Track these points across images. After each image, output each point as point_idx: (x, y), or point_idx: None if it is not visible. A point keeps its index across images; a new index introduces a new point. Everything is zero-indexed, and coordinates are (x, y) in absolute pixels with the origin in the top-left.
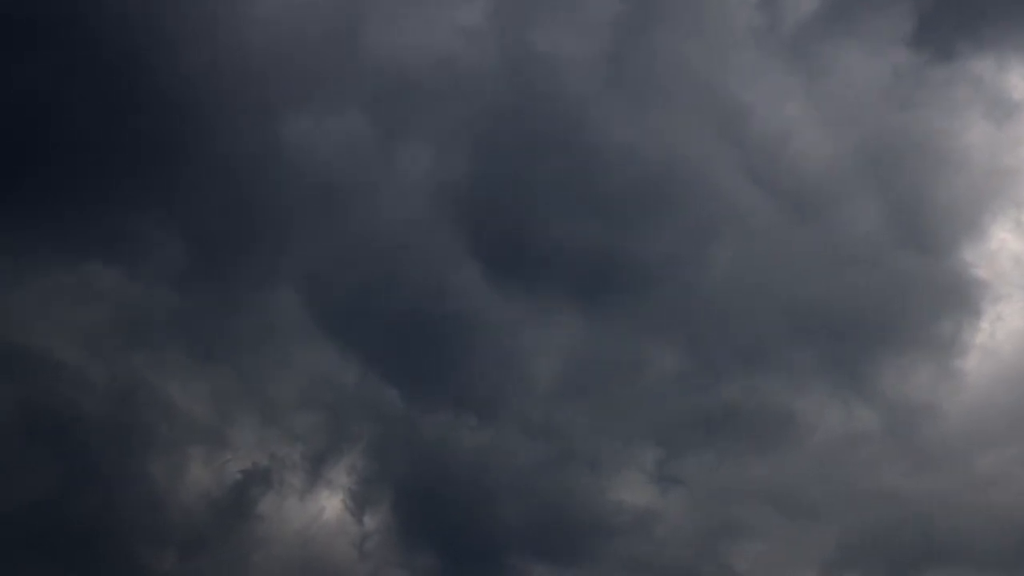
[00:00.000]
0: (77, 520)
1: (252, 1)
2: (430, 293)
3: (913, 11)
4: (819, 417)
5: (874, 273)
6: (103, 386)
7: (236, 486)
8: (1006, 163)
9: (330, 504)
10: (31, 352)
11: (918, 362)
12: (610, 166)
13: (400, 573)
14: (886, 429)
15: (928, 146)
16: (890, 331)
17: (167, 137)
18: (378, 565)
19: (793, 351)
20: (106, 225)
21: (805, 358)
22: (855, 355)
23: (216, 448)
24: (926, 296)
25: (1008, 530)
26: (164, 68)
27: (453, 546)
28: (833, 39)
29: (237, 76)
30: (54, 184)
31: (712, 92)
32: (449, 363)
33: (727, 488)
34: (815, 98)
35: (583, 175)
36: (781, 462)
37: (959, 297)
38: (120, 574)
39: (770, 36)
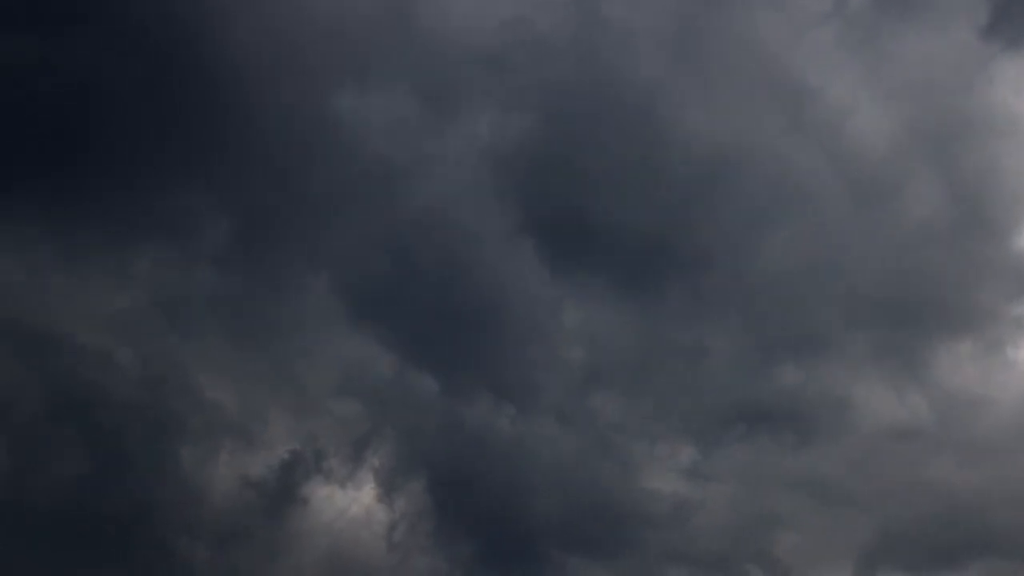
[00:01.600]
0: (108, 508)
1: None
2: (477, 274)
3: None
4: (870, 406)
5: (935, 257)
6: (136, 372)
7: (270, 476)
8: None
9: (364, 493)
10: (63, 338)
11: (974, 351)
12: (672, 146)
13: (434, 562)
14: (937, 420)
15: (993, 129)
16: (948, 317)
17: (213, 115)
18: (412, 554)
19: (848, 337)
20: (151, 206)
21: (860, 344)
22: (911, 341)
23: (248, 438)
24: (987, 281)
25: None
26: (210, 44)
27: (488, 535)
28: (900, 21)
29: (285, 51)
30: (97, 165)
31: (779, 73)
32: (489, 350)
33: (768, 478)
34: (880, 80)
35: (643, 154)
36: (826, 451)
37: (1021, 282)
38: (153, 563)
39: (838, 18)
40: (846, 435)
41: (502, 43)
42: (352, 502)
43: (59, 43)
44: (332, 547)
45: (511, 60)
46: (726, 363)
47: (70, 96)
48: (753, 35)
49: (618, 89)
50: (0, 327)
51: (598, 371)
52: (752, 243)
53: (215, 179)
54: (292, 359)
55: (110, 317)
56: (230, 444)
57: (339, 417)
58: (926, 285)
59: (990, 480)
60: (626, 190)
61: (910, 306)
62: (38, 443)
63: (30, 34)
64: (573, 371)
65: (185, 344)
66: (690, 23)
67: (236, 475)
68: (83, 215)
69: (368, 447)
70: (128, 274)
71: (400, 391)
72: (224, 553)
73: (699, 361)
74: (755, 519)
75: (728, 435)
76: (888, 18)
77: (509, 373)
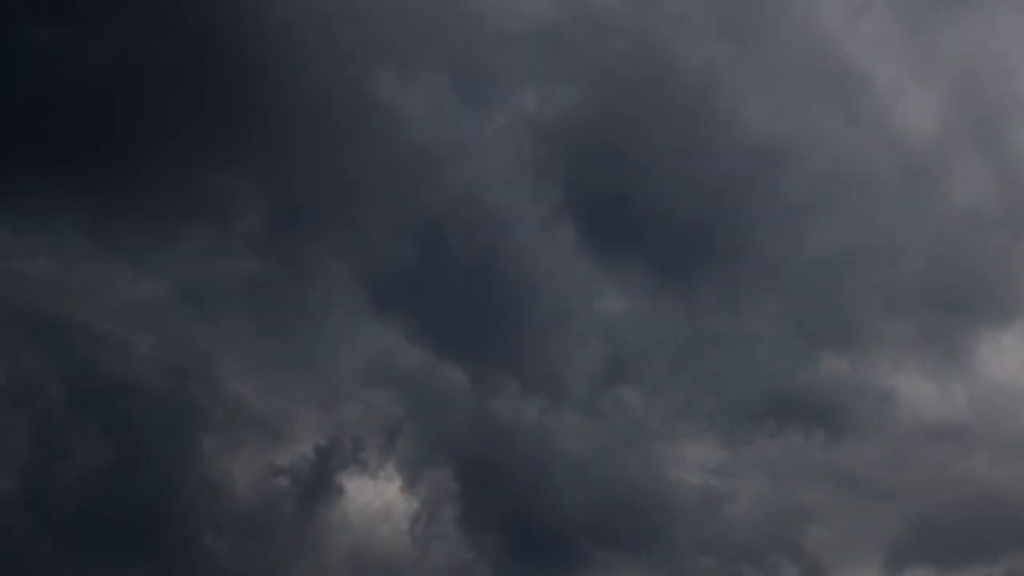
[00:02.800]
0: (131, 499)
1: None
2: (509, 261)
3: None
4: (909, 399)
5: (981, 244)
6: (160, 362)
7: (293, 469)
8: None
9: (390, 486)
10: (86, 326)
11: (1018, 341)
12: (720, 131)
13: (460, 554)
14: (976, 413)
15: None
16: (993, 306)
17: (249, 98)
18: (437, 546)
19: (891, 326)
20: (183, 190)
21: (902, 333)
22: (954, 331)
23: (271, 431)
24: None
25: None
26: (247, 26)
27: (515, 528)
28: (951, 7)
29: (323, 33)
30: (130, 149)
31: (830, 59)
32: (519, 341)
33: (799, 470)
34: (929, 66)
35: (690, 138)
36: (860, 445)
37: None
38: (176, 556)
39: (890, 2)
40: (882, 429)
41: (553, 18)
42: (377, 494)
43: (92, 28)
44: (357, 539)
45: (561, 35)
46: (764, 353)
47: (102, 81)
48: (807, 19)
49: (668, 70)
50: (25, 315)
51: (630, 361)
52: (795, 231)
53: (250, 163)
54: (318, 349)
55: (135, 305)
56: (253, 436)
57: (366, 409)
58: (971, 273)
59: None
60: (669, 174)
61: (955, 294)
62: (60, 433)
63: (62, 19)
64: (604, 361)
65: (210, 334)
66: (744, 6)
67: (259, 467)
68: (115, 201)
69: (394, 439)
70: (156, 261)
71: (427, 382)
72: (247, 547)
73: (736, 351)
74: (786, 512)
75: (762, 427)
76: (939, 3)
77: (538, 364)
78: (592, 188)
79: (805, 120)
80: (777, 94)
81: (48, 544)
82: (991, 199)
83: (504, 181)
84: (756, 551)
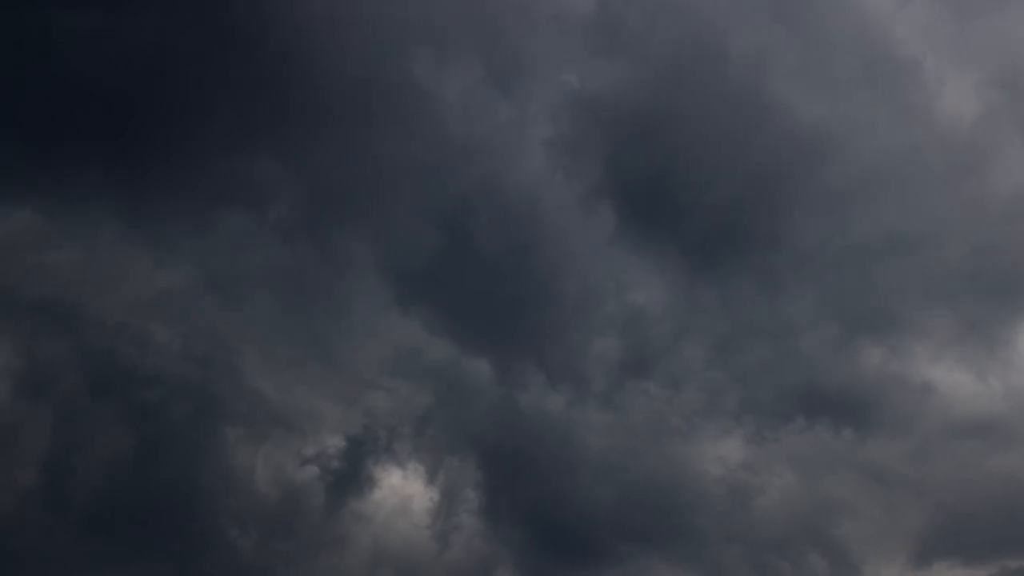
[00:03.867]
0: (152, 491)
1: None
2: (540, 247)
3: None
4: (946, 391)
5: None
6: (185, 352)
7: (317, 462)
8: None
9: (413, 478)
10: (108, 316)
11: None
12: (764, 117)
13: (484, 547)
14: (1013, 406)
15: None
16: None
17: (283, 83)
18: (461, 539)
19: (929, 315)
20: (216, 176)
21: (940, 322)
22: (993, 321)
23: (293, 424)
24: None
25: None
26: (283, 8)
27: (539, 521)
28: None
29: (360, 13)
30: (162, 137)
31: (878, 46)
32: (546, 331)
33: (830, 463)
34: (973, 53)
35: (733, 121)
36: (894, 436)
37: None
38: (199, 547)
39: None
40: (916, 421)
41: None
42: (400, 486)
43: (125, 13)
44: (381, 531)
45: (608, 14)
46: (801, 342)
47: (135, 66)
48: (855, 5)
49: (718, 54)
50: (48, 304)
51: (661, 353)
52: (836, 218)
53: (284, 149)
54: (344, 340)
55: (161, 294)
56: (276, 427)
57: (390, 401)
58: (1013, 261)
59: None
60: (710, 159)
61: (995, 283)
62: (82, 425)
63: (95, 4)
64: (633, 353)
65: (235, 323)
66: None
67: (282, 459)
68: (146, 187)
69: (418, 431)
70: (184, 249)
71: (452, 374)
72: (272, 540)
73: (772, 341)
74: (815, 506)
75: (793, 420)
76: None
77: (565, 355)
78: (631, 171)
79: (850, 107)
80: (823, 81)
81: (70, 536)
82: None
83: (539, 164)
84: (785, 544)
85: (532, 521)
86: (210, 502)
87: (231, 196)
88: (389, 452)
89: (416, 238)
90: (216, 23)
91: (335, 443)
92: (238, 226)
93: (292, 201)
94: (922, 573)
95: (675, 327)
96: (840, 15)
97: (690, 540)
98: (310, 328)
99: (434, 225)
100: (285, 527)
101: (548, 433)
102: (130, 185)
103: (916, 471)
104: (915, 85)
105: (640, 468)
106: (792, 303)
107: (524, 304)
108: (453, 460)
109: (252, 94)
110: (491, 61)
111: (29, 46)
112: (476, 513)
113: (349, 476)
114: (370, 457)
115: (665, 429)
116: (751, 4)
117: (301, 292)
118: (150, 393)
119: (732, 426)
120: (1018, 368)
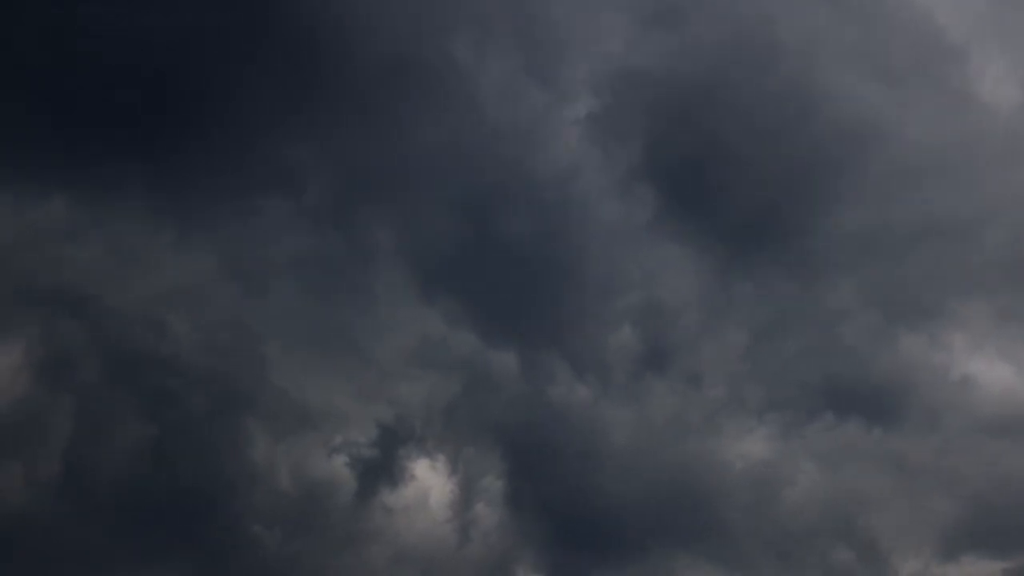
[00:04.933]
0: (175, 483)
1: None
2: (569, 233)
3: None
4: (983, 381)
5: None
6: (207, 343)
7: (339, 455)
8: None
9: (437, 472)
10: (130, 303)
11: None
12: (809, 102)
13: (507, 542)
14: None
15: None
16: None
17: (319, 65)
18: (485, 531)
19: (968, 305)
20: (253, 161)
21: (980, 312)
22: None
23: (318, 415)
24: None
25: None
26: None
27: (563, 517)
28: None
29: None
30: (196, 119)
31: (928, 34)
32: (572, 322)
33: (858, 457)
34: (1017, 40)
35: (779, 106)
36: (926, 428)
37: None
38: (225, 542)
39: None
40: (950, 415)
41: None
42: (425, 480)
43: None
44: (405, 525)
45: None
46: (835, 333)
47: (165, 50)
48: None
49: (765, 35)
50: (70, 293)
51: (693, 343)
52: (879, 206)
53: (318, 134)
54: (369, 330)
55: (184, 284)
56: (298, 419)
57: (415, 392)
58: None
59: None
60: (752, 144)
61: None
62: (104, 415)
63: None
64: (663, 343)
65: (258, 314)
66: None
67: (304, 452)
68: (173, 175)
69: (444, 425)
70: (211, 236)
71: (477, 366)
72: (296, 533)
73: (807, 331)
74: (843, 499)
75: (823, 413)
76: None
77: (593, 347)
78: (671, 153)
79: (894, 95)
80: (869, 68)
81: (91, 531)
82: None
83: (575, 146)
84: (812, 539)
85: (557, 515)
86: (234, 496)
87: (261, 183)
88: (418, 444)
89: (444, 226)
90: (248, 5)
91: (361, 435)
92: (265, 214)
93: (322, 188)
94: (949, 566)
95: (709, 318)
96: (888, 2)
97: (716, 535)
98: (335, 318)
99: (463, 213)
100: (310, 521)
101: (573, 426)
102: (158, 173)
103: (944, 464)
104: (960, 73)
105: (666, 462)
106: (830, 293)
107: (552, 294)
108: (476, 453)
109: (283, 79)
110: (532, 40)
111: (58, 33)
112: (499, 506)
113: (378, 469)
114: (401, 449)
115: (692, 422)
116: None
117: (326, 281)
118: (173, 384)
119: (760, 421)
120: None
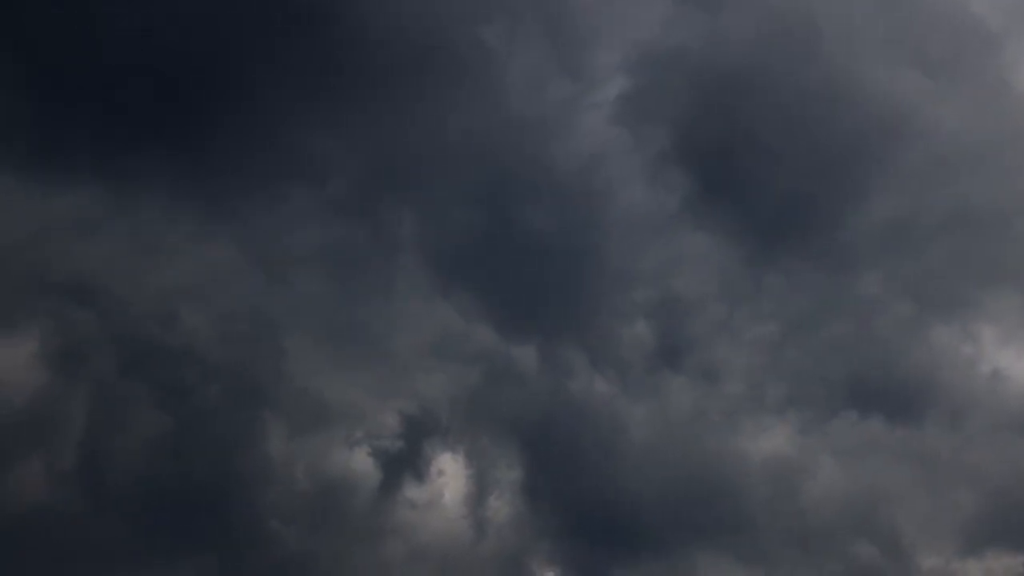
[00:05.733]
0: (192, 476)
1: None
2: (609, 217)
3: None
4: (1013, 375)
5: None
6: (223, 331)
7: (360, 449)
8: None
9: (454, 467)
10: (149, 298)
11: None
12: (846, 88)
13: (524, 538)
14: None
15: None
16: None
17: (344, 52)
18: (503, 528)
19: (997, 297)
20: (278, 150)
21: (1009, 306)
22: None
23: (337, 409)
24: None
25: None
26: None
27: (584, 511)
28: None
29: None
30: (222, 108)
31: (964, 22)
32: (590, 316)
33: (881, 453)
34: None
35: (814, 92)
36: (950, 425)
37: None
38: (243, 536)
39: None
40: (976, 409)
41: None
42: (444, 475)
43: None
44: (424, 520)
45: None
46: (863, 326)
47: (191, 36)
48: None
49: (803, 21)
50: (87, 284)
51: (716, 337)
52: (912, 196)
53: (339, 122)
54: (387, 322)
55: (205, 275)
56: (317, 413)
57: (434, 387)
58: None
59: None
60: (785, 131)
61: None
62: (120, 407)
63: None
64: (687, 336)
65: (278, 305)
66: None
67: (323, 446)
68: (198, 164)
69: (461, 419)
70: (231, 227)
71: (496, 359)
72: (315, 528)
73: (835, 323)
74: (865, 494)
75: (847, 408)
76: None
77: (613, 340)
78: (703, 138)
79: (930, 84)
80: (907, 58)
81: (108, 526)
82: None
83: (602, 133)
84: (834, 534)
85: (576, 510)
86: (251, 491)
87: (286, 172)
88: (442, 437)
89: (466, 218)
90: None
91: (380, 429)
92: (289, 203)
93: (346, 178)
94: (972, 560)
95: (735, 310)
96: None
97: (737, 531)
98: (355, 310)
99: (486, 204)
100: (329, 516)
101: (592, 420)
102: (182, 163)
103: (968, 459)
104: (995, 63)
105: (687, 457)
106: (860, 284)
107: (574, 286)
108: (494, 446)
109: (309, 67)
110: (562, 26)
111: (80, 25)
112: (517, 500)
113: (402, 462)
114: (426, 441)
115: (713, 418)
116: None
117: (347, 272)
118: (192, 376)
119: (782, 418)
120: None
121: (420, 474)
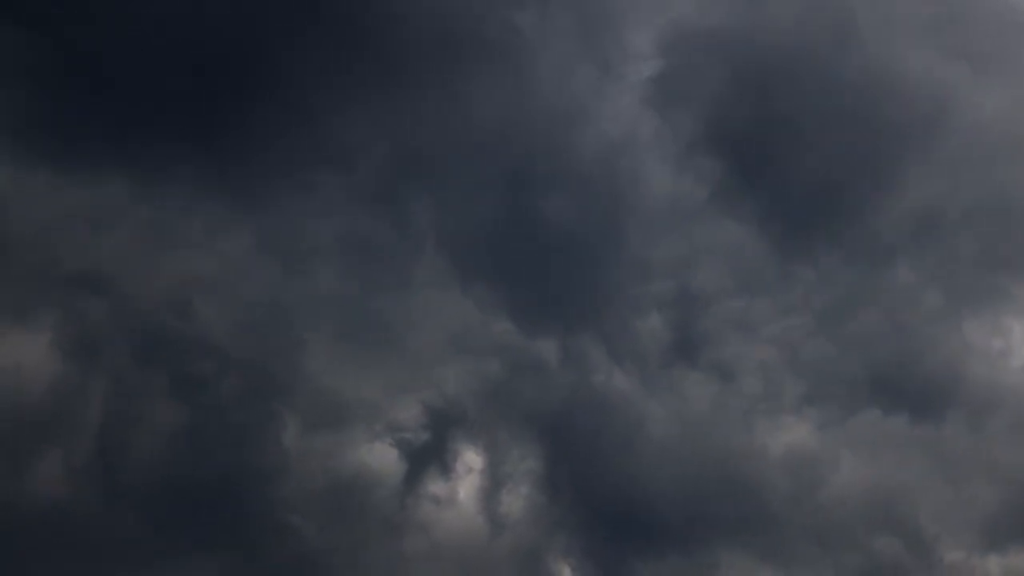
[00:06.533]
0: (209, 471)
1: None
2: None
3: None
4: None
5: None
6: (239, 323)
7: (381, 442)
8: None
9: (473, 463)
10: (165, 283)
11: None
12: (882, 73)
13: (546, 531)
14: None
15: None
16: None
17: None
18: (521, 523)
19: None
20: (306, 137)
21: None
22: None
23: (352, 410)
24: None
25: None
26: None
27: (604, 507)
28: None
29: None
30: (249, 94)
31: (997, 11)
32: (617, 306)
33: (903, 448)
34: None
35: (850, 76)
36: (974, 422)
37: None
38: (263, 533)
39: None
40: (1002, 405)
41: None
42: (460, 472)
43: None
44: (441, 516)
45: None
46: (894, 316)
47: (218, 22)
48: None
49: (843, 6)
50: (103, 273)
51: (736, 330)
52: (948, 184)
53: (373, 108)
54: (406, 314)
55: (222, 265)
56: (334, 409)
57: (453, 381)
58: None
59: None
60: (821, 117)
61: None
62: (135, 400)
63: None
64: (710, 329)
65: (298, 297)
66: None
67: (341, 440)
68: (225, 151)
69: (480, 413)
70: (248, 218)
71: (515, 353)
72: (333, 523)
73: (866, 314)
74: (886, 490)
75: (871, 403)
76: None
77: (632, 334)
78: (736, 122)
79: (972, 73)
80: (948, 45)
81: (126, 523)
82: None
83: (633, 116)
84: (856, 529)
85: (597, 504)
86: (269, 485)
87: (311, 160)
88: (467, 430)
89: (488, 208)
90: None
91: (401, 422)
92: (311, 193)
93: (370, 166)
94: (995, 556)
95: (761, 304)
96: None
97: (760, 528)
98: (374, 302)
99: (509, 194)
100: (348, 509)
101: (613, 415)
102: (207, 151)
103: (993, 454)
104: None
105: (708, 452)
106: (891, 276)
107: (596, 278)
108: (513, 440)
109: (338, 52)
110: (594, 7)
111: (109, 14)
112: (536, 495)
113: (422, 457)
114: (430, 441)
115: (734, 413)
116: None
117: (368, 262)
118: (210, 369)
119: (804, 413)
120: None
121: (445, 468)
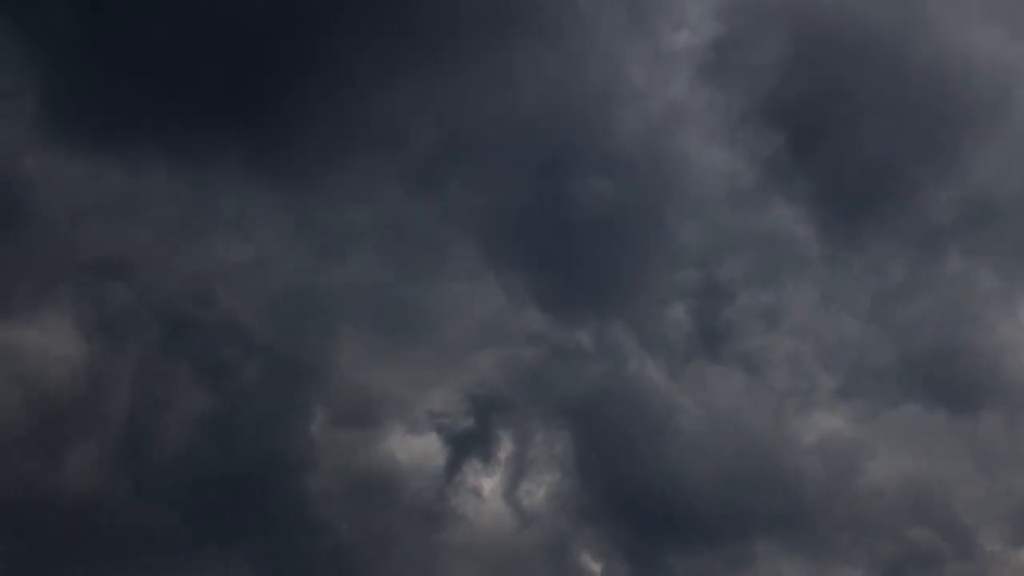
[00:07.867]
0: (239, 461)
1: None
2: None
3: None
4: None
5: None
6: (273, 312)
7: (407, 435)
8: None
9: (501, 456)
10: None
11: None
12: (945, 52)
13: (571, 529)
14: None
15: None
16: None
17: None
18: (549, 515)
19: None
20: (346, 120)
21: None
22: None
23: (380, 401)
24: None
25: None
26: None
27: (636, 500)
28: None
29: None
30: (288, 76)
31: None
32: (655, 293)
33: (941, 440)
34: None
35: (911, 53)
36: (1012, 412)
37: None
38: (293, 526)
39: None
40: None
41: None
42: (488, 466)
43: None
44: (474, 508)
45: None
46: (936, 306)
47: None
48: None
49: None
50: (136, 261)
51: (772, 318)
52: (1000, 174)
53: (417, 90)
54: (439, 303)
55: (256, 253)
56: (366, 399)
57: (488, 370)
58: None
59: None
60: (879, 95)
61: None
62: (163, 388)
63: None
64: (743, 317)
65: (330, 283)
66: None
67: (375, 431)
68: (266, 135)
69: (515, 403)
70: (285, 201)
71: (546, 342)
72: (365, 516)
73: (907, 305)
74: (923, 483)
75: (904, 406)
76: None
77: (664, 322)
78: (790, 97)
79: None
80: (1016, 26)
81: (154, 514)
82: None
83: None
84: (893, 518)
85: (629, 497)
86: (301, 474)
87: (351, 142)
88: (478, 431)
89: (526, 194)
90: None
91: (442, 410)
92: (352, 176)
93: (415, 147)
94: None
95: (810, 290)
96: None
97: (796, 520)
98: (408, 289)
99: (550, 178)
100: (379, 500)
101: (646, 405)
102: (246, 136)
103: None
104: None
105: (744, 443)
106: (944, 262)
107: (631, 265)
108: (545, 430)
109: (387, 28)
110: None
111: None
112: (566, 487)
113: (440, 460)
114: (458, 435)
115: (770, 405)
116: None
117: (404, 248)
118: (238, 357)
119: (841, 404)
120: None
121: (487, 456)
